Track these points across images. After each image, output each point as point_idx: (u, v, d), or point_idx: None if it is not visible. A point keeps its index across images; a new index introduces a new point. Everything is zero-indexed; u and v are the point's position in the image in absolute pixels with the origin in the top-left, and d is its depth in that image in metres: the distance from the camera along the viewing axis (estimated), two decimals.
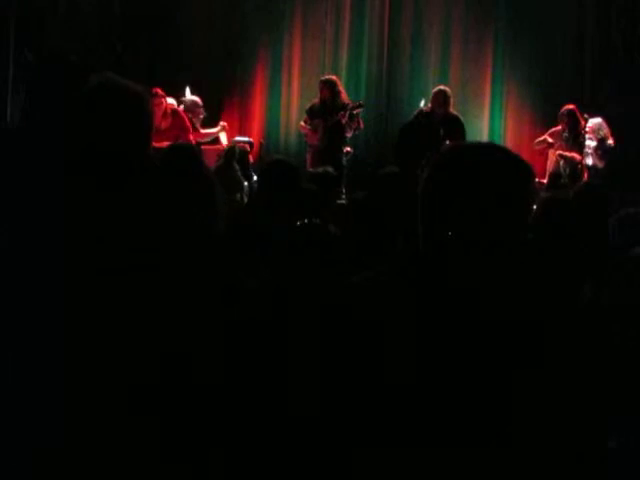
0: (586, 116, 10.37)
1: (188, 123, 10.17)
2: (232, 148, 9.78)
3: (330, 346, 2.32)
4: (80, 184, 2.19)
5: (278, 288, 3.07)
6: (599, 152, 10.12)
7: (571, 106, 10.35)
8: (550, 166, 10.34)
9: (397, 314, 2.16)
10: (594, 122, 10.20)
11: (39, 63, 10.04)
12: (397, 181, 4.30)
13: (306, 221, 3.29)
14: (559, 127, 10.40)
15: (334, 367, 2.30)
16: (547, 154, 10.53)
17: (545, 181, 10.14)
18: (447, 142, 9.82)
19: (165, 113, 10.23)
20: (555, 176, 9.88)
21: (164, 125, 10.12)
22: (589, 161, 10.11)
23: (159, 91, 10.38)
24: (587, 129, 10.15)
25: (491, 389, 2.01)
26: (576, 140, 10.18)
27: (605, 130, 10.19)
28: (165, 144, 8.99)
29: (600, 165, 10.13)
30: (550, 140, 10.41)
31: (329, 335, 2.39)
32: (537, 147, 10.61)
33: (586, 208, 4.02)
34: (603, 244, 3.58)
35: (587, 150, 10.09)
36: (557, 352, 2.09)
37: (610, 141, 10.17)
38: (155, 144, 9.14)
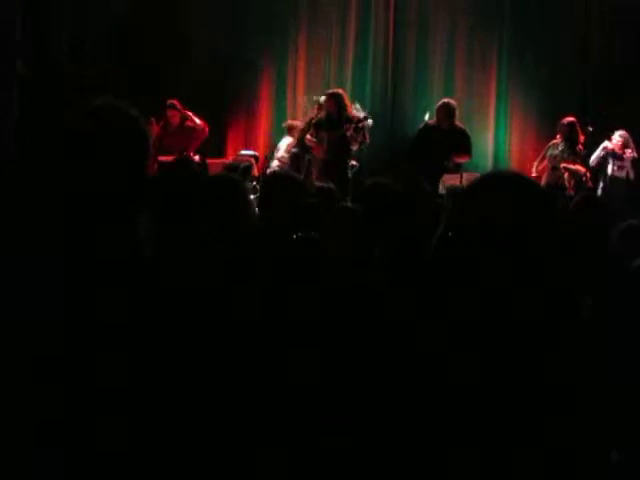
0: (590, 129, 10.44)
1: (196, 142, 10.49)
2: (234, 164, 9.90)
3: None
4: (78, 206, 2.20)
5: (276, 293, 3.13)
6: (628, 164, 10.25)
7: (572, 118, 10.40)
8: (546, 177, 10.38)
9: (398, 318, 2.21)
10: (621, 135, 10.30)
11: (33, 75, 10.05)
12: (385, 191, 4.37)
13: (301, 234, 3.33)
14: (554, 141, 10.48)
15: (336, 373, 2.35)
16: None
17: None
18: (453, 154, 9.98)
19: (181, 127, 10.53)
20: (549, 187, 9.85)
21: (174, 137, 10.41)
22: (617, 173, 10.21)
23: (176, 103, 10.62)
24: (616, 142, 10.27)
25: (490, 402, 2.04)
26: (572, 151, 10.24)
27: (630, 142, 10.30)
28: (169, 158, 9.25)
29: (632, 176, 10.24)
30: (544, 162, 10.51)
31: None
32: (539, 170, 10.68)
33: (586, 219, 4.02)
34: (604, 255, 3.59)
35: (620, 163, 10.22)
36: (556, 361, 2.12)
37: (634, 153, 10.28)
38: (161, 157, 9.35)
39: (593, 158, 10.38)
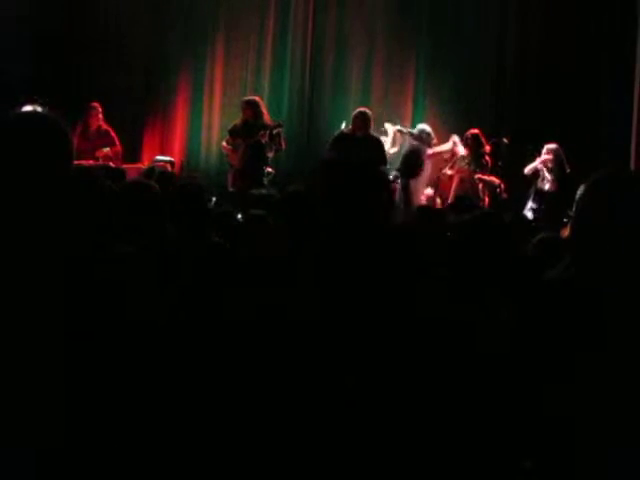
0: (505, 140, 10.59)
1: (117, 142, 10.31)
2: (151, 168, 9.74)
3: None
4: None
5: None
6: (555, 178, 10.26)
7: (475, 130, 10.53)
8: (455, 188, 10.46)
9: None
10: (550, 148, 10.32)
11: None
12: (301, 200, 4.43)
13: (210, 241, 3.35)
14: (462, 154, 10.59)
15: None
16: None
17: (450, 202, 10.12)
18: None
19: (99, 129, 10.34)
20: (459, 198, 9.86)
21: (95, 140, 10.22)
22: (547, 187, 10.27)
23: (97, 105, 10.42)
24: (544, 155, 10.29)
25: None
26: (478, 163, 10.35)
27: (562, 156, 10.33)
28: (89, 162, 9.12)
29: (557, 192, 10.27)
30: (450, 171, 10.60)
31: None
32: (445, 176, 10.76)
33: (486, 234, 3.97)
34: (507, 269, 3.56)
35: (546, 175, 10.26)
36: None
37: (566, 168, 10.32)
38: (83, 161, 9.17)
39: (528, 168, 10.40)
